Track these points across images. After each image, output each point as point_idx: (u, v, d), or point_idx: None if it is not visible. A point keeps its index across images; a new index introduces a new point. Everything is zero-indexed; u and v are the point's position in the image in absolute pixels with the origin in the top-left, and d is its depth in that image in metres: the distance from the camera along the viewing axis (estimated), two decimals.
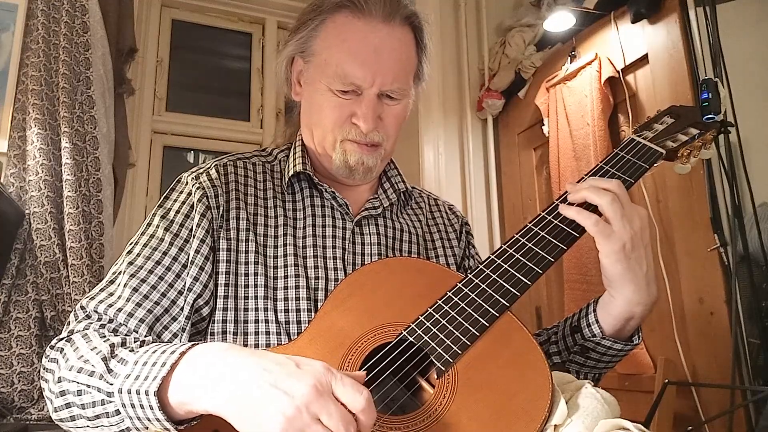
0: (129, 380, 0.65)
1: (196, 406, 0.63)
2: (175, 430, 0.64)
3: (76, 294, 1.75)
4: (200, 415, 0.66)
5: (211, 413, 0.62)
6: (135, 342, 0.73)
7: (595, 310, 0.85)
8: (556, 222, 0.81)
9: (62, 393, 0.70)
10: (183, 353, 0.65)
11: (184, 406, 0.63)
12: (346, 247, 0.92)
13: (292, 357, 0.62)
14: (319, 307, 0.84)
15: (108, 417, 0.67)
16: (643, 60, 1.82)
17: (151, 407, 0.63)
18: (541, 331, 0.97)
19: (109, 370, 0.67)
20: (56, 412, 0.71)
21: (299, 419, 0.56)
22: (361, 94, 0.87)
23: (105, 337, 0.73)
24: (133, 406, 0.64)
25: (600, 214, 0.78)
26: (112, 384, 0.66)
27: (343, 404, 0.58)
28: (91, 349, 0.70)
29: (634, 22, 1.84)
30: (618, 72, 1.88)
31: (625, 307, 0.80)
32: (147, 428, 0.66)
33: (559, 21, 2.09)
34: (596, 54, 1.95)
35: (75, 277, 1.77)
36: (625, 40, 1.89)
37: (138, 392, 0.63)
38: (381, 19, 0.87)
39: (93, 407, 0.67)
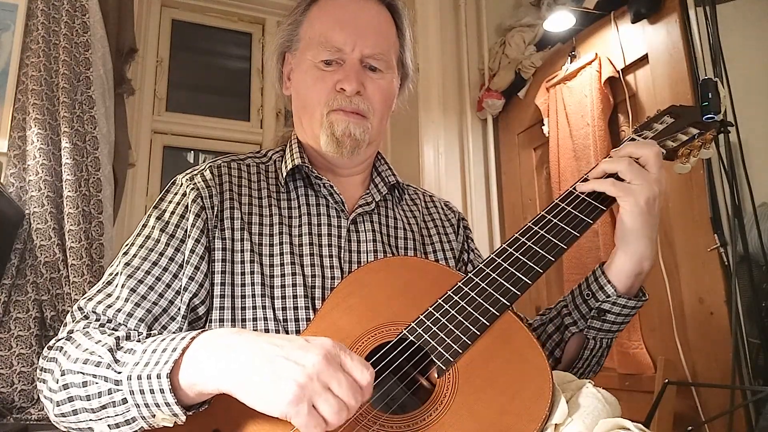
0: (138, 367, 0.65)
1: (207, 385, 0.63)
2: (184, 415, 0.65)
3: (76, 294, 1.75)
4: (208, 400, 0.67)
5: (222, 392, 0.63)
6: (139, 335, 0.74)
7: (603, 273, 0.88)
8: (555, 221, 0.82)
9: (65, 386, 0.70)
10: (193, 338, 0.66)
11: (195, 387, 0.64)
12: (342, 245, 0.92)
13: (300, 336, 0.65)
14: (316, 305, 0.85)
15: (114, 406, 0.67)
16: (643, 60, 1.82)
17: (162, 391, 0.63)
18: (544, 310, 0.99)
19: (117, 360, 0.68)
20: (58, 406, 0.71)
21: (310, 387, 0.58)
22: (343, 64, 0.91)
23: (107, 333, 0.73)
24: (142, 392, 0.64)
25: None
26: (120, 372, 0.66)
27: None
28: (96, 342, 0.71)
29: (634, 22, 1.85)
30: (618, 72, 1.88)
31: (638, 262, 0.84)
32: (154, 416, 0.66)
33: (559, 21, 2.09)
34: (596, 54, 1.95)
35: (75, 277, 1.76)
36: (625, 40, 1.89)
37: (149, 377, 0.64)
38: None
39: (99, 397, 0.67)
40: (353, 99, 0.91)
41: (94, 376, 0.68)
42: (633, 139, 0.92)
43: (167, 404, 0.64)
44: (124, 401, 0.66)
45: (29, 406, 1.67)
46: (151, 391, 0.64)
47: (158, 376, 0.63)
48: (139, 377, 0.65)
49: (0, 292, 1.72)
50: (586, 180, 0.86)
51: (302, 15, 0.96)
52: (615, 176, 0.84)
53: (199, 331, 0.68)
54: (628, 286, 0.86)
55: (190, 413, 0.66)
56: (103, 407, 0.67)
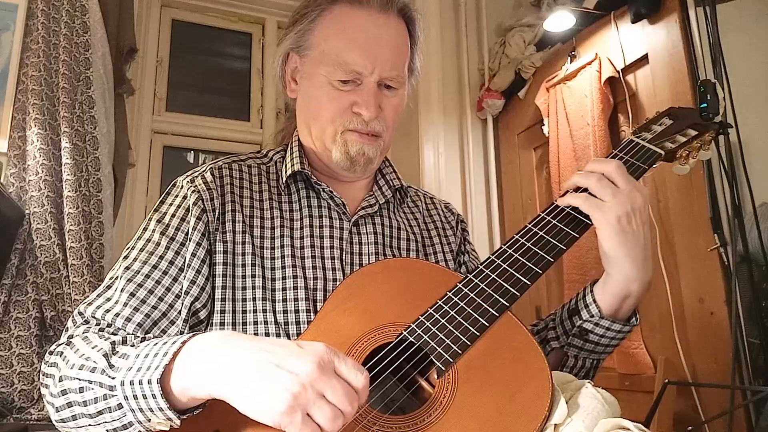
0: (131, 372, 0.65)
1: (198, 391, 0.63)
2: (177, 419, 0.65)
3: (76, 294, 1.75)
4: (203, 404, 0.66)
5: (214, 397, 0.62)
6: (136, 339, 0.73)
7: (592, 291, 0.85)
8: (555, 222, 0.82)
9: (63, 392, 0.70)
10: (184, 342, 0.66)
11: (187, 392, 0.64)
12: (344, 247, 0.92)
13: (293, 341, 0.64)
14: (318, 307, 0.84)
15: (110, 412, 0.67)
16: (643, 60, 1.82)
17: (153, 396, 0.63)
18: (538, 321, 0.98)
19: (111, 366, 0.68)
20: (58, 412, 0.71)
21: (304, 396, 0.57)
22: (360, 84, 0.88)
23: (105, 337, 0.73)
24: (135, 397, 0.64)
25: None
26: (113, 378, 0.66)
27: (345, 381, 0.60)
28: (93, 348, 0.71)
29: (634, 22, 1.84)
30: (618, 72, 1.88)
31: (623, 284, 0.81)
32: (149, 420, 0.66)
33: (559, 21, 2.09)
34: (596, 54, 1.95)
35: (75, 277, 1.76)
36: (625, 40, 1.89)
37: (141, 382, 0.64)
38: (378, 9, 0.89)
39: (95, 403, 0.67)
40: (370, 123, 0.89)
41: (90, 381, 0.68)
42: (631, 141, 0.92)
43: (160, 409, 0.64)
44: (120, 406, 0.66)
45: (29, 406, 1.67)
46: (144, 397, 0.64)
47: (149, 382, 0.63)
48: (132, 383, 0.64)
49: (0, 292, 1.72)
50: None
51: (313, 23, 0.91)
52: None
53: (191, 334, 0.67)
54: (614, 308, 0.83)
55: (185, 417, 0.66)
56: (100, 412, 0.68)
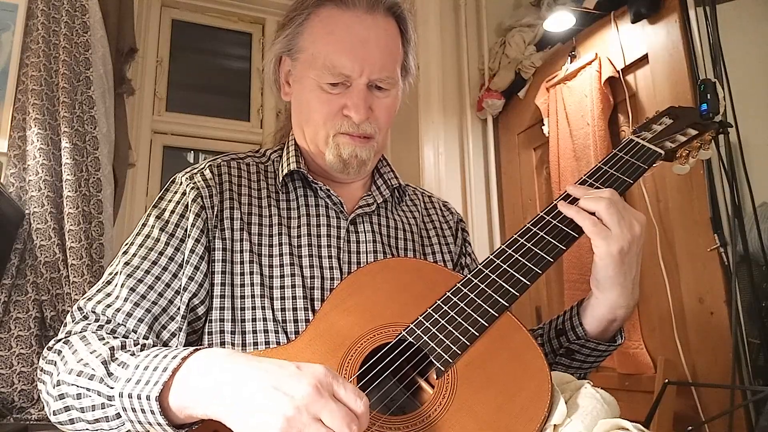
0: (130, 384, 0.65)
1: (196, 410, 0.63)
2: None
3: (76, 294, 1.75)
4: (201, 419, 0.66)
5: (210, 418, 0.62)
6: (135, 345, 0.72)
7: (578, 313, 0.87)
8: (555, 222, 0.82)
9: (61, 396, 0.70)
10: (185, 358, 0.65)
11: (185, 410, 0.63)
12: (341, 246, 0.92)
13: (292, 361, 0.62)
14: (315, 306, 0.85)
15: (108, 421, 0.67)
16: (643, 60, 1.82)
17: (152, 412, 0.63)
18: (529, 330, 0.98)
19: (110, 374, 0.67)
20: (55, 415, 0.71)
21: (299, 419, 0.56)
22: (350, 86, 0.88)
23: (104, 339, 0.73)
24: (134, 410, 0.64)
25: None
26: (112, 388, 0.66)
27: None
28: (91, 353, 0.70)
29: (634, 22, 1.84)
30: (618, 72, 1.88)
31: (609, 310, 0.82)
32: (147, 431, 0.66)
33: (559, 21, 2.09)
34: (596, 54, 1.95)
35: (75, 277, 1.77)
36: (625, 40, 1.89)
37: (139, 397, 0.63)
38: (365, 10, 0.88)
39: (93, 411, 0.67)
40: (361, 125, 0.89)
41: (88, 389, 0.68)
42: (631, 140, 0.92)
43: (158, 424, 0.63)
44: (118, 416, 0.66)
45: (29, 406, 1.67)
46: (142, 411, 0.63)
47: (147, 398, 0.63)
48: (130, 396, 0.64)
49: (0, 292, 1.72)
50: (568, 196, 0.84)
51: (301, 26, 0.91)
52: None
53: (191, 350, 0.66)
54: (600, 330, 0.85)
55: (183, 431, 0.65)
56: (98, 420, 0.67)
